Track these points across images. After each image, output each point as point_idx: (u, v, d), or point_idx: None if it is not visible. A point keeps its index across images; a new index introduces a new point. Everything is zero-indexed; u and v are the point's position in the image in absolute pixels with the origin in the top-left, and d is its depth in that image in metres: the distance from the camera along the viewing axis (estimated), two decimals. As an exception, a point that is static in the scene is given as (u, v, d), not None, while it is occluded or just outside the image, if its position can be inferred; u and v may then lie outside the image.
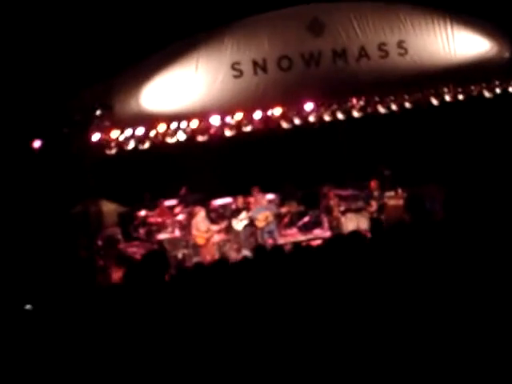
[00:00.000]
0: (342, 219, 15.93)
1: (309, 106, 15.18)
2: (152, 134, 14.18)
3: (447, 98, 15.76)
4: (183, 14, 14.04)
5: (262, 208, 15.61)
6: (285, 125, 15.19)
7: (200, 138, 14.61)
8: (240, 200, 16.02)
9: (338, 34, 14.90)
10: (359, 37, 14.99)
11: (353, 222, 15.67)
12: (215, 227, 15.29)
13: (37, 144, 13.32)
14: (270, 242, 15.01)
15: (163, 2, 14.07)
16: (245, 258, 8.60)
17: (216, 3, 14.16)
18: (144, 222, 16.51)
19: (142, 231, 16.37)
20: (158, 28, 13.89)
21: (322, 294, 5.64)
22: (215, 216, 16.15)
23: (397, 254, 6.48)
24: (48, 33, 13.32)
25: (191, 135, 14.47)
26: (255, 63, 14.59)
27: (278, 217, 16.18)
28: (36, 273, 11.95)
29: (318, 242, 14.42)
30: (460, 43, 15.44)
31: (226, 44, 14.44)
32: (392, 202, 15.84)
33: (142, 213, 16.54)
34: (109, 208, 16.54)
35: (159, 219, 16.25)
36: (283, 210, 16.56)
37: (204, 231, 14.97)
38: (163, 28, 13.91)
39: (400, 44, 15.24)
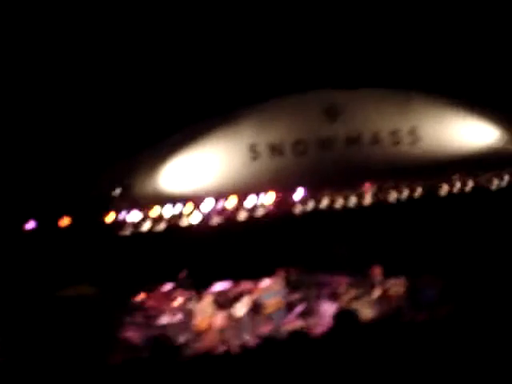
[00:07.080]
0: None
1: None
2: (169, 214, 13.82)
3: (457, 186, 15.84)
4: (201, 96, 14.01)
5: (274, 293, 15.09)
6: (297, 210, 15.04)
7: (214, 221, 14.30)
8: (244, 284, 15.57)
9: (352, 119, 14.98)
10: (373, 123, 15.10)
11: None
12: (220, 313, 14.76)
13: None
14: (269, 328, 14.57)
15: (180, 84, 14.03)
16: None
17: (231, 86, 14.18)
18: (140, 306, 15.90)
19: (138, 315, 15.75)
20: (176, 110, 13.80)
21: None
22: (220, 301, 15.61)
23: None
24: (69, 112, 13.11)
25: (206, 217, 14.17)
26: (272, 146, 14.51)
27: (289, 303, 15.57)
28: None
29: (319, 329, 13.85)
30: (471, 132, 15.71)
31: (243, 126, 14.35)
32: (394, 290, 15.53)
33: (138, 297, 15.94)
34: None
35: (156, 303, 15.69)
36: (295, 296, 15.70)
37: (208, 316, 14.48)
38: (181, 110, 13.83)
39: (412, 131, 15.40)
